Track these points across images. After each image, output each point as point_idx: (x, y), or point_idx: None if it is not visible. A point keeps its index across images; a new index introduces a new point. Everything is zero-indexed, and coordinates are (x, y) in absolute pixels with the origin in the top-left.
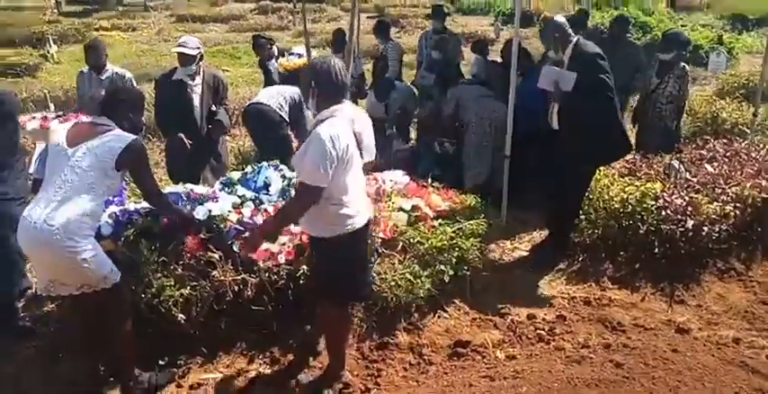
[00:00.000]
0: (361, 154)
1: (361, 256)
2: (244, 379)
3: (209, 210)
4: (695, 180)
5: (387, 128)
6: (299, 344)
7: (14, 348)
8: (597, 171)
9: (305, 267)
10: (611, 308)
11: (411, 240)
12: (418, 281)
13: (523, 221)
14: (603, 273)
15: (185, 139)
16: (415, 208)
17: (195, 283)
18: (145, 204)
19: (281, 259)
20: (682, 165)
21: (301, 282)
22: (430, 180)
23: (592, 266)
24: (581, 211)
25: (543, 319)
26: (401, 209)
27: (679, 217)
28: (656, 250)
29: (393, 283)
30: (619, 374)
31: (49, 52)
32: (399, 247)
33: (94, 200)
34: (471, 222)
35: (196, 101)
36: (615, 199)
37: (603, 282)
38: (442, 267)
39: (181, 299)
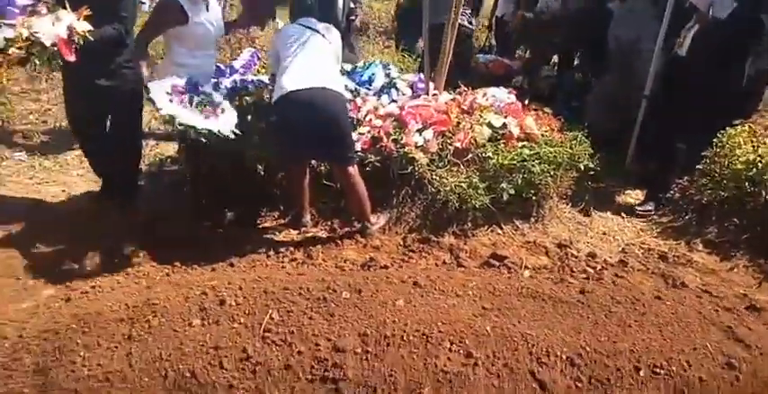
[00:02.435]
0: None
1: (287, 121)
2: (302, 237)
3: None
4: None
5: None
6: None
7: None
8: (732, 125)
9: (373, 156)
10: (686, 268)
11: (482, 155)
12: (471, 190)
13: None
14: (703, 235)
15: None
16: (504, 126)
17: None
18: (262, 78)
19: (357, 147)
20: None
21: (368, 169)
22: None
23: (695, 227)
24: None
25: (604, 261)
26: (489, 124)
27: None
28: None
29: (448, 189)
30: (575, 298)
31: None
32: (468, 158)
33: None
34: (551, 149)
35: None
36: (740, 159)
37: (695, 244)
38: (504, 185)
39: (264, 163)
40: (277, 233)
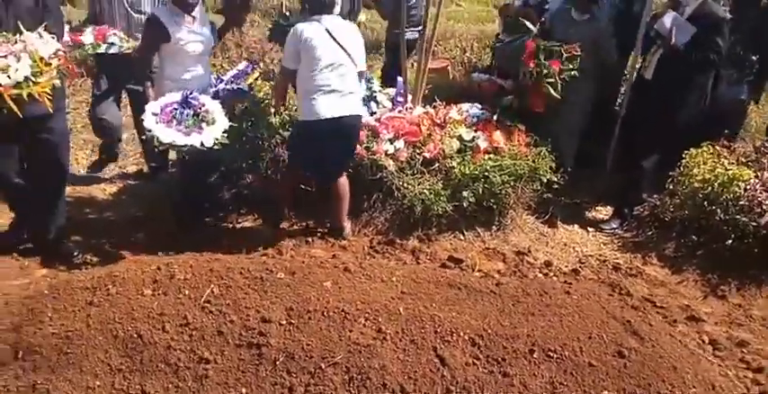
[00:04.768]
0: (353, 62)
1: (313, 143)
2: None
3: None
4: None
5: None
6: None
7: None
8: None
9: None
10: (636, 279)
11: (448, 165)
12: (434, 197)
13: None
14: (660, 250)
15: None
16: (473, 139)
17: None
18: (242, 86)
19: None
20: None
21: None
22: None
23: (654, 242)
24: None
25: (558, 269)
26: (459, 137)
27: (759, 210)
28: (728, 242)
29: (413, 195)
30: (489, 288)
31: None
32: (434, 167)
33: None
34: (515, 162)
35: None
36: (698, 178)
37: (650, 257)
38: (465, 194)
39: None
40: (253, 232)
